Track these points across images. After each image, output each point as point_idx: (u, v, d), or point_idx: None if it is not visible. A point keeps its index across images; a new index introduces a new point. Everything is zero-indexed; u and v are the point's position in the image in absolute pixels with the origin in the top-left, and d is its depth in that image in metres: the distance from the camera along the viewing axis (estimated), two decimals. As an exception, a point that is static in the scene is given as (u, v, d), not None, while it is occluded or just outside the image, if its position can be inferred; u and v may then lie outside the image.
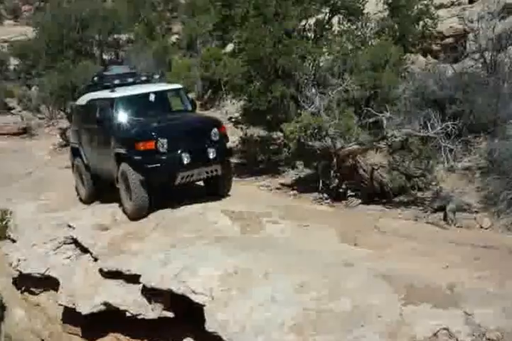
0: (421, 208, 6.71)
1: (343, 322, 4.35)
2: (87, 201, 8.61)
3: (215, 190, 7.74)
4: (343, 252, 5.54)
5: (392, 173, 7.00)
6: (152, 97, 7.93)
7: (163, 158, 7.11)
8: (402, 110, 7.65)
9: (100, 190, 8.49)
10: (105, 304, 6.00)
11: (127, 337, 6.16)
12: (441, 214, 6.34)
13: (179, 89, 8.57)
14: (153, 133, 7.22)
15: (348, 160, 7.26)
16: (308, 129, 7.27)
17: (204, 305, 5.02)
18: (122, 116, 7.74)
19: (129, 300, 5.85)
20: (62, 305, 6.64)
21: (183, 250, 6.02)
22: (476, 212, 6.25)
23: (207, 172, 7.36)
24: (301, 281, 4.90)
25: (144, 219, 7.17)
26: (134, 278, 5.90)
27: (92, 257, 6.77)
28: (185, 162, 7.13)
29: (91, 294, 6.20)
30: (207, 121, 7.99)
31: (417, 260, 5.17)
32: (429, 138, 6.92)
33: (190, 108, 8.38)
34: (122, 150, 7.35)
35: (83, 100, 8.83)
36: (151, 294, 5.74)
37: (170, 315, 5.63)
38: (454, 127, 6.90)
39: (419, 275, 4.81)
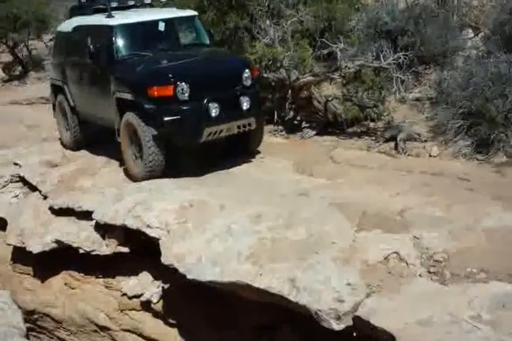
0: (373, 138, 6.81)
1: (299, 250, 4.44)
2: (72, 148, 7.44)
3: (244, 147, 6.38)
4: (298, 183, 5.63)
5: (346, 104, 7.02)
6: (162, 26, 6.34)
7: (185, 108, 5.63)
8: (356, 41, 7.59)
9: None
10: (57, 242, 5.91)
11: (81, 274, 6.15)
12: (392, 144, 6.47)
13: (194, 16, 6.89)
14: (170, 75, 5.68)
15: (302, 91, 7.20)
16: (263, 61, 7.08)
17: (159, 239, 5.02)
18: (125, 51, 6.17)
19: (82, 237, 5.79)
20: (11, 244, 6.47)
21: (137, 185, 5.94)
22: (426, 141, 6.40)
23: (239, 127, 5.91)
24: (257, 212, 4.95)
25: (94, 154, 6.94)
26: (86, 215, 5.82)
27: (42, 195, 6.61)
28: (213, 114, 5.68)
29: (41, 233, 6.09)
30: (237, 61, 6.44)
31: (369, 188, 5.30)
32: (381, 69, 6.98)
33: (207, 42, 6.78)
34: (127, 96, 5.89)
35: (68, 26, 7.25)
36: (104, 230, 5.70)
37: (125, 250, 5.62)
38: (405, 58, 7.01)
39: (371, 203, 4.95)
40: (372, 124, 7.12)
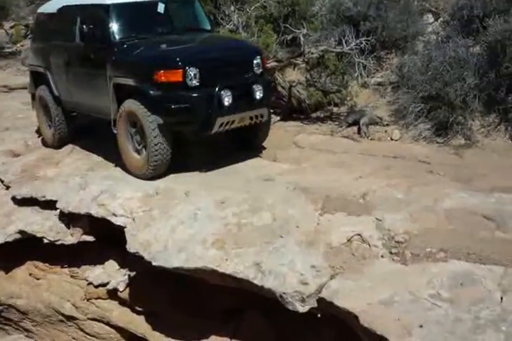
0: (336, 123, 6.88)
1: (264, 234, 4.50)
2: (56, 145, 6.63)
3: (249, 142, 5.97)
4: (263, 168, 5.65)
5: (310, 90, 7.05)
6: (161, 8, 5.87)
7: (195, 95, 5.13)
8: (319, 27, 7.62)
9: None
10: (20, 232, 5.81)
11: (46, 264, 6.09)
12: (355, 128, 6.56)
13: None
14: (179, 59, 5.18)
15: (266, 77, 7.19)
16: (228, 46, 7.04)
17: (125, 227, 5.00)
18: (122, 32, 5.64)
19: (46, 226, 5.72)
20: (-29, 236, 6.35)
21: (102, 173, 5.89)
22: (387, 124, 6.51)
23: (251, 119, 5.47)
24: (222, 198, 4.97)
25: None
26: (50, 204, 5.74)
27: (4, 185, 6.47)
28: (225, 103, 5.20)
29: (4, 223, 5.98)
30: (247, 47, 5.98)
31: (333, 172, 5.37)
32: (344, 55, 7.02)
33: (208, 27, 6.33)
34: (128, 81, 5.36)
35: (52, 7, 6.63)
36: (69, 219, 5.64)
37: (90, 239, 5.58)
38: (367, 43, 7.09)
39: (334, 187, 5.02)
40: (335, 109, 7.17)
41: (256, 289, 4.20)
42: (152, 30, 5.87)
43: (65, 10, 6.33)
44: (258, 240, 4.44)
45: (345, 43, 6.98)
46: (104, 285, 5.48)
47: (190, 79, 5.11)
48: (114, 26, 5.65)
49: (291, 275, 4.07)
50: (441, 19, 8.06)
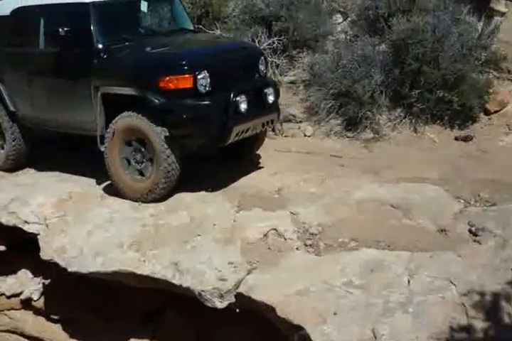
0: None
1: (181, 234, 4.49)
2: (6, 167, 5.79)
3: (243, 152, 5.43)
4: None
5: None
6: (144, 6, 5.33)
7: (208, 103, 4.57)
8: (232, 27, 7.69)
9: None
10: None
11: (-45, 277, 5.78)
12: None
13: None
14: (187, 63, 4.60)
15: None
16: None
17: (38, 234, 4.84)
18: (106, 35, 4.95)
19: (-47, 237, 5.43)
20: None
21: (12, 180, 5.67)
22: (301, 121, 6.67)
23: (263, 125, 5.07)
24: (138, 200, 4.92)
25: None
26: (-44, 215, 5.44)
27: None
28: (242, 110, 4.71)
29: None
30: (251, 48, 5.55)
31: (248, 170, 5.44)
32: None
33: (191, 26, 5.81)
34: (124, 91, 4.69)
35: (1, 9, 5.64)
36: (-22, 229, 5.38)
37: (1, 248, 5.36)
38: (279, 43, 7.24)
39: (251, 184, 5.10)
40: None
41: (175, 288, 4.18)
42: (136, 31, 5.31)
43: (21, 12, 5.44)
44: (175, 240, 4.43)
45: (258, 43, 7.10)
46: (17, 295, 5.28)
47: (201, 85, 4.56)
48: (96, 28, 4.91)
49: (209, 272, 4.09)
50: (349, 19, 8.34)
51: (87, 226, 4.73)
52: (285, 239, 4.37)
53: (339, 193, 4.89)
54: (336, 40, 7.65)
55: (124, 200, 4.92)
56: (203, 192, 5.02)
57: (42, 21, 5.24)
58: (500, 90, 6.22)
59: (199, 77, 4.54)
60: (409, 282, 3.82)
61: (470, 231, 4.29)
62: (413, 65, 6.31)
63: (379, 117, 6.34)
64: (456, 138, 5.94)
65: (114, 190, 5.04)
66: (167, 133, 4.56)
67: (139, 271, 4.19)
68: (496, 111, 6.09)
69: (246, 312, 4.08)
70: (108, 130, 4.81)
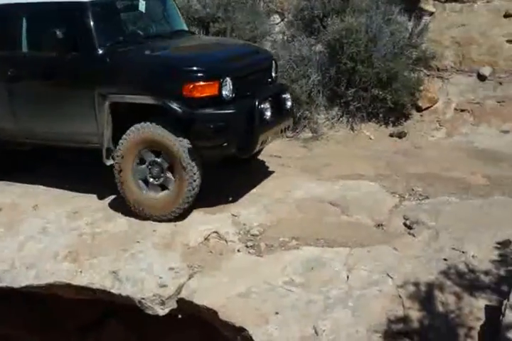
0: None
1: (120, 241, 4.41)
2: None
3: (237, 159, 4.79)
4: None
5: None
6: (143, 6, 4.94)
7: (234, 111, 4.29)
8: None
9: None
10: None
11: None
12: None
13: None
14: (212, 68, 4.35)
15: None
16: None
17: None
18: (107, 38, 4.55)
19: None
20: None
21: None
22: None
23: (281, 131, 4.87)
24: (74, 208, 4.80)
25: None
26: None
27: None
28: (266, 117, 4.50)
29: None
30: (262, 51, 5.27)
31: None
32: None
33: (186, 28, 5.53)
34: (139, 99, 4.31)
35: None
36: None
37: None
38: (217, 44, 7.18)
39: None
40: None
41: (114, 298, 4.10)
42: (136, 33, 4.97)
43: (5, 10, 4.86)
44: (114, 248, 4.35)
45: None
46: None
47: (226, 92, 4.29)
48: (97, 30, 4.47)
49: (149, 279, 4.03)
50: (286, 19, 8.42)
51: (19, 238, 4.57)
52: (226, 242, 4.36)
53: (279, 193, 4.92)
54: (273, 41, 7.73)
55: (59, 210, 4.79)
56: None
57: (24, 21, 4.73)
58: (430, 87, 6.43)
59: (224, 83, 4.27)
60: (348, 277, 3.88)
61: (405, 224, 4.40)
62: (348, 65, 6.44)
63: (317, 116, 6.44)
64: (391, 135, 6.11)
65: (49, 201, 4.89)
66: (190, 145, 4.26)
67: (75, 282, 4.09)
68: (427, 108, 6.31)
69: (189, 317, 4.04)
70: (121, 142, 4.39)
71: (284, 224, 4.51)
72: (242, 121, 4.33)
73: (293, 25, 7.99)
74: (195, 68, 4.31)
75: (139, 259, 4.21)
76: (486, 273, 3.80)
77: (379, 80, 6.33)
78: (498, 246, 4.03)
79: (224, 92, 4.27)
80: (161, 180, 4.41)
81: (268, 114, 4.52)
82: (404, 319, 3.56)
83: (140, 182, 4.45)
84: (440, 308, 3.59)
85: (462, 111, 6.23)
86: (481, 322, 3.48)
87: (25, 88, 4.81)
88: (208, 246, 4.33)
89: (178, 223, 4.56)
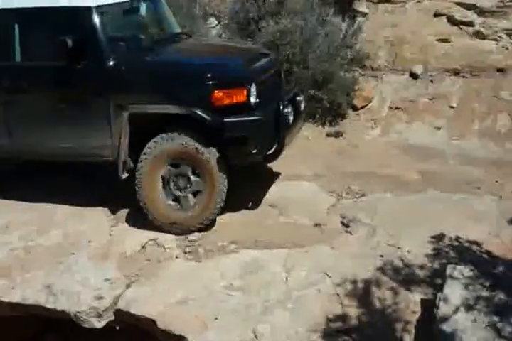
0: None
1: (54, 254, 4.28)
2: None
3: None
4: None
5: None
6: (143, 9, 4.79)
7: (261, 117, 4.15)
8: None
9: None
10: None
11: None
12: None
13: None
14: (240, 74, 4.26)
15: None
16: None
17: None
18: (116, 44, 4.35)
19: None
20: None
21: None
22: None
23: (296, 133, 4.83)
24: (5, 222, 4.62)
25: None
26: None
27: None
28: (290, 121, 4.46)
29: None
30: (270, 53, 5.09)
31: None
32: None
33: (179, 29, 5.36)
34: (164, 109, 4.10)
35: None
36: None
37: None
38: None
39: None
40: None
41: (50, 313, 3.97)
42: (142, 38, 4.79)
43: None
44: (48, 261, 4.21)
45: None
46: None
47: (252, 98, 4.17)
48: (107, 37, 4.25)
49: (85, 292, 3.92)
50: (222, 23, 8.42)
51: None
52: (164, 249, 4.29)
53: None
54: (211, 44, 7.69)
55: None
56: (79, 208, 4.81)
57: (16, 29, 4.39)
58: (365, 87, 6.55)
59: (252, 89, 4.16)
60: (286, 279, 3.90)
61: (342, 223, 4.47)
62: (284, 66, 6.46)
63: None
64: (328, 135, 6.18)
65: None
66: (218, 154, 4.14)
67: (7, 299, 3.93)
68: (362, 107, 6.42)
69: (127, 327, 3.96)
70: (145, 155, 4.18)
71: (223, 228, 4.48)
72: (269, 127, 4.22)
73: (229, 28, 8.00)
74: (223, 74, 4.20)
75: (74, 272, 4.09)
76: (421, 267, 3.89)
77: (315, 81, 6.39)
78: (432, 240, 4.14)
79: (251, 98, 4.17)
80: (186, 192, 4.27)
81: (291, 117, 4.49)
82: (343, 317, 3.60)
83: (167, 195, 4.30)
84: (377, 304, 3.65)
85: (396, 109, 6.37)
86: (417, 316, 3.56)
87: (21, 102, 4.48)
88: (146, 255, 4.25)
89: (114, 233, 4.47)
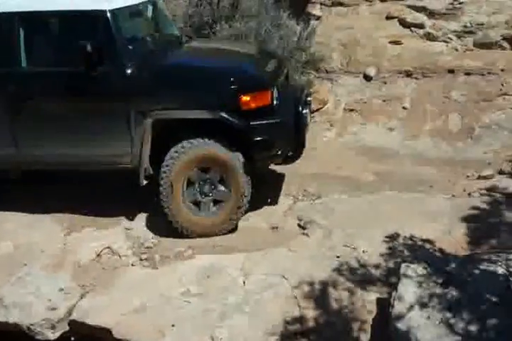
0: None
1: (4, 266, 4.16)
2: None
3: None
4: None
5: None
6: (150, 11, 4.75)
7: (283, 119, 4.19)
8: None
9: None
10: None
11: None
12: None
13: None
14: (264, 77, 4.26)
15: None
16: None
17: None
18: (131, 48, 4.19)
19: None
20: None
21: None
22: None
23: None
24: (-49, 234, 4.46)
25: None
26: None
27: None
28: (307, 121, 4.52)
29: None
30: (277, 53, 5.18)
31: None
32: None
33: (178, 31, 5.36)
34: (192, 113, 4.04)
35: None
36: None
37: None
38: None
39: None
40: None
41: (1, 326, 3.85)
42: (152, 40, 4.67)
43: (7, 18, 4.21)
44: (-1, 273, 4.08)
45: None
46: None
47: (276, 100, 4.17)
48: (124, 41, 4.13)
49: (37, 303, 3.84)
50: (177, 26, 8.36)
51: None
52: (120, 256, 4.23)
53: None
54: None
55: None
56: (30, 216, 4.68)
57: (21, 33, 4.17)
58: (320, 89, 6.60)
59: (274, 91, 4.17)
60: (244, 283, 3.89)
61: (299, 225, 4.48)
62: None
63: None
64: (285, 137, 6.19)
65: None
66: (243, 158, 4.13)
67: (-46, 314, 3.80)
68: (318, 109, 6.46)
69: (83, 338, 3.87)
70: (170, 161, 4.11)
71: (179, 234, 4.43)
72: (291, 128, 4.27)
73: (183, 32, 7.95)
74: (248, 78, 4.21)
75: (26, 282, 3.99)
76: (377, 266, 3.94)
77: (270, 84, 6.41)
78: (387, 239, 4.20)
79: (274, 101, 4.16)
80: (213, 195, 4.25)
81: (308, 118, 4.55)
82: (300, 319, 3.61)
83: (188, 199, 4.25)
84: (334, 305, 3.68)
85: (351, 110, 6.45)
86: (373, 315, 3.60)
87: (31, 109, 4.27)
88: (101, 263, 4.18)
89: (68, 242, 4.38)
